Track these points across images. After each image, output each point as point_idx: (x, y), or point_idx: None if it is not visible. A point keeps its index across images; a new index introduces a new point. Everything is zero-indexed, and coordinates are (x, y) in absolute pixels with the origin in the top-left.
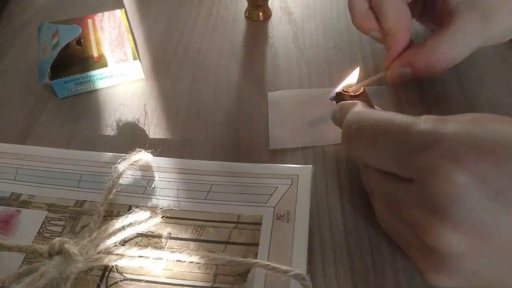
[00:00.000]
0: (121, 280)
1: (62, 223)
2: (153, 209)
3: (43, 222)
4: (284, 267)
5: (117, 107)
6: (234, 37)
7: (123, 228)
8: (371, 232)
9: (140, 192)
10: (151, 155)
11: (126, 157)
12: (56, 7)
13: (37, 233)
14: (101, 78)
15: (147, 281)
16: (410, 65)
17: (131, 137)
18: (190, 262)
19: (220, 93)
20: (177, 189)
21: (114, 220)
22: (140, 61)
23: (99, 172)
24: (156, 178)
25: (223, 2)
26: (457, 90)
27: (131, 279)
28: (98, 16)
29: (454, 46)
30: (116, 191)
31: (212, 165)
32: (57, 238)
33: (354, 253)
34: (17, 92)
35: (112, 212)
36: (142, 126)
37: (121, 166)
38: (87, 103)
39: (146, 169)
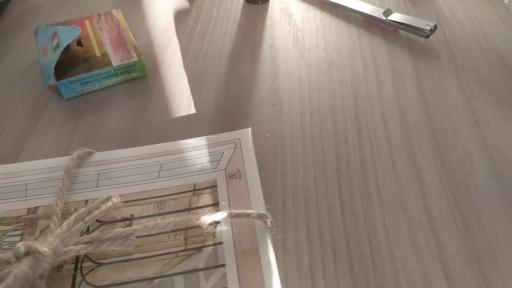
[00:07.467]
0: (95, 267)
1: (18, 232)
2: (109, 196)
3: None
4: (247, 211)
5: (120, 106)
6: (234, 38)
7: (85, 217)
8: (371, 232)
9: (93, 186)
10: (94, 151)
11: (69, 158)
12: (56, 8)
13: None
14: (106, 77)
15: (121, 261)
16: None
17: (132, 136)
18: (158, 233)
19: (220, 93)
20: (129, 175)
21: (75, 214)
22: (143, 58)
23: (46, 178)
24: (105, 171)
25: (223, 3)
26: (457, 90)
27: (106, 263)
28: (94, 17)
29: None
30: (69, 191)
31: (158, 147)
32: (21, 242)
33: (354, 253)
34: (18, 93)
35: (69, 210)
36: (143, 124)
37: (65, 166)
38: (89, 103)
39: (95, 164)
